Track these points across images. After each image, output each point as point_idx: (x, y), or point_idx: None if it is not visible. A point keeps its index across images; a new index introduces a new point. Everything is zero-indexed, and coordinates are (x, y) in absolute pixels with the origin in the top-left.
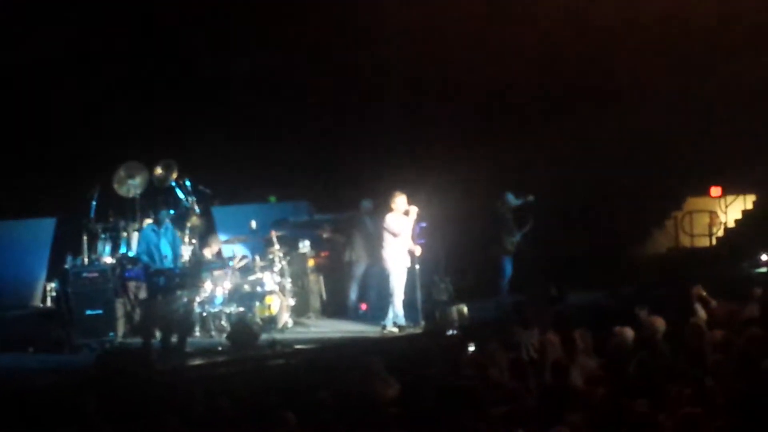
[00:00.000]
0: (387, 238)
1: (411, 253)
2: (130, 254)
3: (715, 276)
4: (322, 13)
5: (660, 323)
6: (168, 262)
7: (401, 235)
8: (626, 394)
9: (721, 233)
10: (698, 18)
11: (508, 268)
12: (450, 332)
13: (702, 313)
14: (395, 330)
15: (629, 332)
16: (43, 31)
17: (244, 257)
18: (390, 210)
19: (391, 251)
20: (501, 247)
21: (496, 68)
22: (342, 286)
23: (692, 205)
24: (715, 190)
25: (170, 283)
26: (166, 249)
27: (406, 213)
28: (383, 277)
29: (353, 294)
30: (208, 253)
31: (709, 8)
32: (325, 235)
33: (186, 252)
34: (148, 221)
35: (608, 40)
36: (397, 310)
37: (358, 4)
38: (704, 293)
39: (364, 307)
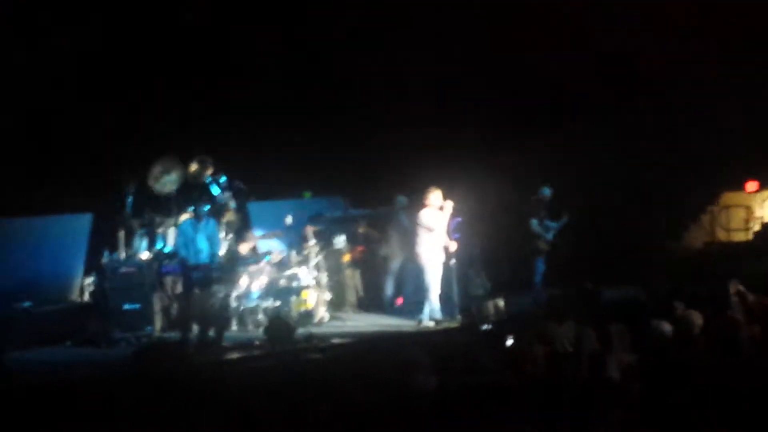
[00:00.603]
0: (422, 233)
1: (446, 249)
2: (167, 250)
3: (753, 270)
4: (358, 7)
5: (697, 318)
6: (203, 257)
7: (436, 230)
8: (663, 388)
9: (757, 228)
10: (734, 8)
11: (541, 266)
12: (486, 326)
13: (739, 307)
14: (431, 324)
15: (666, 327)
16: (77, 26)
17: (279, 252)
18: (425, 205)
19: (427, 246)
20: (533, 248)
21: (531, 62)
22: (378, 281)
23: (728, 200)
24: (751, 185)
25: (205, 277)
26: (202, 243)
27: (441, 208)
28: (419, 272)
29: (389, 289)
30: (244, 248)
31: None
32: (360, 230)
33: (222, 248)
34: (185, 216)
35: (643, 33)
36: (433, 304)
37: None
38: (742, 287)
39: (400, 301)
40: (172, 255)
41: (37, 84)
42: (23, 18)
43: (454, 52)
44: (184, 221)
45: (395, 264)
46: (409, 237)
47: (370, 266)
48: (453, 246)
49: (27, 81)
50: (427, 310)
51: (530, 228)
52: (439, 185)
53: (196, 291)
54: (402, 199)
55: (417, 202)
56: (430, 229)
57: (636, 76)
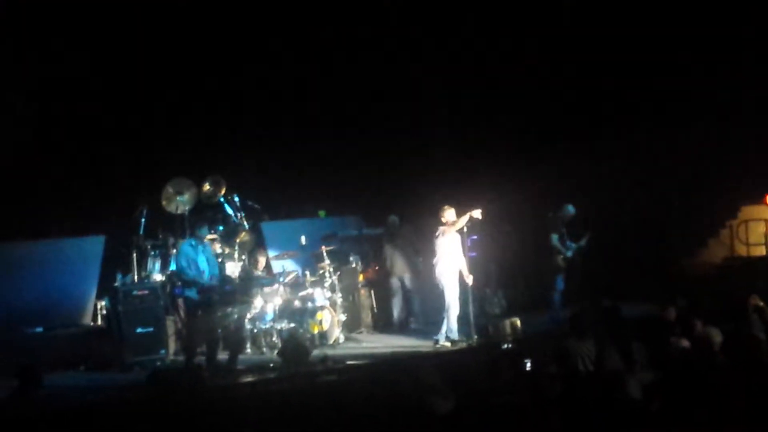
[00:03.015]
0: (439, 252)
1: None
2: None
3: None
4: (372, 29)
5: (716, 334)
6: (205, 278)
7: (452, 249)
8: (683, 406)
9: None
10: (751, 22)
11: (560, 283)
12: (504, 346)
13: (759, 323)
14: (448, 344)
15: (686, 344)
16: (90, 48)
17: (294, 273)
18: (440, 224)
19: (444, 266)
20: (552, 265)
21: (548, 79)
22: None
23: (747, 214)
24: None
25: (208, 299)
26: (203, 265)
27: (453, 224)
28: (424, 291)
29: (396, 309)
30: (257, 267)
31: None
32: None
33: (236, 268)
34: (210, 237)
35: (661, 47)
36: (451, 324)
37: (408, 19)
38: (761, 303)
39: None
40: (178, 276)
41: (49, 107)
42: (35, 39)
43: (473, 68)
44: (185, 243)
45: (396, 283)
46: (407, 255)
47: (385, 286)
48: (470, 280)
49: (38, 104)
50: (444, 329)
51: (550, 243)
52: (454, 203)
53: (199, 312)
54: (394, 219)
55: (428, 219)
56: (448, 232)
57: (654, 91)
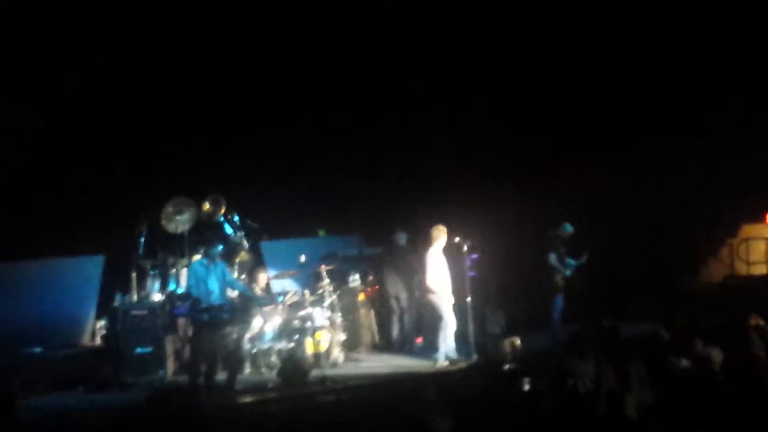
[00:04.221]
0: (433, 271)
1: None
2: (179, 291)
3: None
4: (374, 47)
5: (716, 354)
6: (214, 298)
7: (444, 267)
8: (683, 426)
9: None
10: (753, 39)
11: (560, 302)
12: (507, 366)
13: (759, 342)
14: (446, 364)
15: (686, 364)
16: (86, 66)
17: (293, 292)
18: (432, 242)
19: (439, 284)
20: (551, 285)
21: (549, 100)
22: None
23: (748, 232)
24: None
25: (216, 319)
26: (213, 285)
27: (457, 246)
28: (419, 309)
29: (395, 329)
30: (256, 287)
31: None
32: (370, 278)
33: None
34: (197, 257)
35: (660, 66)
36: (450, 343)
37: (410, 38)
38: (761, 322)
39: (419, 340)
40: (185, 296)
41: (48, 125)
42: (33, 52)
43: (473, 87)
44: (195, 262)
45: (394, 302)
46: (406, 274)
47: (385, 305)
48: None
49: (36, 122)
50: (442, 349)
51: (548, 262)
52: (453, 222)
53: (206, 333)
54: (400, 235)
55: (423, 238)
56: (436, 265)
57: (655, 110)
